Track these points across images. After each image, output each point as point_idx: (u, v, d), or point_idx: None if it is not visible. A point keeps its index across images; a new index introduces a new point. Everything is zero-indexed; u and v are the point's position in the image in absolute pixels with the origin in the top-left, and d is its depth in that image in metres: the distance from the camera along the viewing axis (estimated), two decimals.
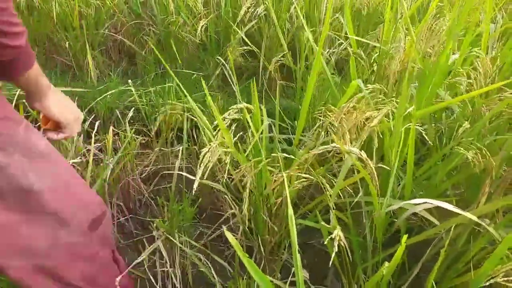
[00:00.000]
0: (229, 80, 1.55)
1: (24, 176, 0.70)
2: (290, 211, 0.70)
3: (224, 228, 0.73)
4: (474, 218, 0.80)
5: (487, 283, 0.68)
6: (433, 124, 1.10)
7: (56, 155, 0.79)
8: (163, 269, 1.10)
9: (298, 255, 0.68)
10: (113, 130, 1.39)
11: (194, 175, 0.92)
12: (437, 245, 1.05)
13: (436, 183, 0.99)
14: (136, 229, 1.43)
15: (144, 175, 1.53)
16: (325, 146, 0.84)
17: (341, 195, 1.02)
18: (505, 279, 0.69)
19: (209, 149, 0.86)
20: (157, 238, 1.09)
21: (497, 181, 0.96)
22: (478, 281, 0.69)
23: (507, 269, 0.66)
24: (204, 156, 0.86)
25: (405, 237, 0.71)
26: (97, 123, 1.47)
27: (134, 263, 1.01)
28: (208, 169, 0.87)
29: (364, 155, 0.81)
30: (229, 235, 0.56)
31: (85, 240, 0.81)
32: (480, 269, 0.70)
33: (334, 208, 0.90)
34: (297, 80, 1.63)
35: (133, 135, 1.41)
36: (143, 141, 1.61)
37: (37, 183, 0.73)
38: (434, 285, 0.78)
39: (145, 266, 1.17)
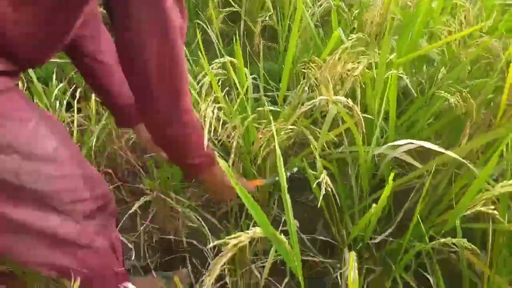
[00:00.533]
0: (213, 44, 1.53)
1: (15, 177, 0.66)
2: (279, 157, 0.71)
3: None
4: (456, 156, 0.83)
5: (469, 212, 0.72)
6: (414, 78, 1.12)
7: (66, 159, 0.73)
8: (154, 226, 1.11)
9: (288, 200, 0.70)
10: (95, 99, 1.38)
11: None
12: (420, 191, 1.09)
13: (418, 130, 1.02)
14: (128, 196, 1.44)
15: (131, 142, 1.52)
16: (313, 100, 0.85)
17: (326, 146, 1.05)
18: (485, 208, 0.73)
19: (207, 105, 0.84)
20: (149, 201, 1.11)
21: (476, 124, 1.00)
22: (459, 211, 0.73)
23: (486, 197, 0.69)
24: (204, 112, 0.84)
25: (391, 175, 0.73)
26: (78, 92, 1.45)
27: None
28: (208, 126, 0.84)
29: (351, 102, 0.82)
30: (221, 162, 0.57)
31: (81, 228, 0.76)
32: (461, 199, 0.73)
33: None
34: (281, 41, 1.62)
35: None
36: None
37: (31, 185, 0.68)
38: (420, 221, 0.81)
39: (139, 232, 1.19)
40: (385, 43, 0.89)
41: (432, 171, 0.97)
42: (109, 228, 0.82)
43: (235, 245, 0.58)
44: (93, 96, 1.35)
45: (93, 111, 1.33)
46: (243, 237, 0.58)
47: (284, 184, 0.68)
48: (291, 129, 0.80)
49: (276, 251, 0.89)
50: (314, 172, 0.88)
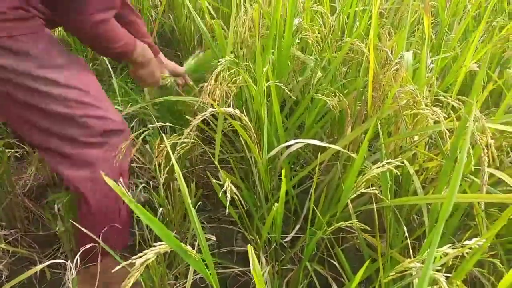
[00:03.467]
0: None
1: (32, 79, 0.86)
2: (179, 173, 0.73)
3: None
4: (339, 148, 0.93)
5: (355, 195, 0.81)
6: (295, 83, 1.23)
7: (76, 72, 0.93)
8: None
9: (194, 214, 0.72)
10: None
11: None
12: (320, 187, 1.18)
13: (305, 130, 1.12)
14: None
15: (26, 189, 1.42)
16: (203, 113, 0.89)
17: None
18: (369, 189, 0.83)
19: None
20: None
21: (356, 117, 1.12)
22: (346, 195, 0.82)
23: (366, 179, 0.78)
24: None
25: (283, 172, 0.80)
26: None
27: None
28: None
29: (238, 112, 0.88)
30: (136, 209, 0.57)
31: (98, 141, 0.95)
32: (345, 183, 0.82)
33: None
34: None
35: (3, 148, 1.30)
36: (18, 155, 1.49)
37: (45, 87, 0.87)
38: (317, 211, 0.89)
39: None
40: (258, 62, 0.96)
41: (325, 164, 1.07)
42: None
43: (142, 263, 0.59)
44: None
45: None
46: (148, 254, 0.59)
47: (194, 218, 0.69)
48: (186, 142, 0.82)
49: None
50: (217, 181, 0.91)
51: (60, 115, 0.89)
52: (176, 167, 0.68)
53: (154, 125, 0.86)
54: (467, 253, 0.61)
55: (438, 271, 0.59)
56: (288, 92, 1.00)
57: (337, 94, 1.00)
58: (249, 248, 0.54)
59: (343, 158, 1.10)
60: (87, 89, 0.93)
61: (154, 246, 0.59)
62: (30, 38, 0.86)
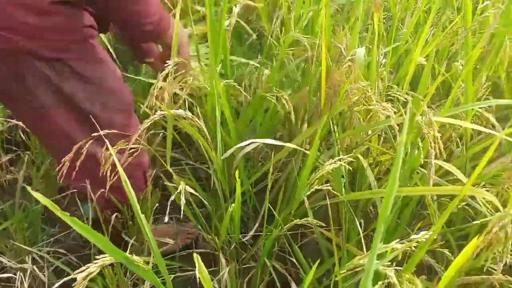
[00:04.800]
0: None
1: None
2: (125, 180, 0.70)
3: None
4: (294, 146, 0.93)
5: (309, 192, 0.81)
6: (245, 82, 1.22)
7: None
8: None
9: (144, 221, 0.70)
10: None
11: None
12: (279, 183, 1.18)
13: (260, 128, 1.11)
14: None
15: None
16: (153, 117, 0.87)
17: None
18: (326, 186, 0.83)
19: None
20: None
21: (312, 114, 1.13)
22: (299, 193, 0.81)
23: (319, 175, 0.79)
24: None
25: (237, 172, 0.79)
26: None
27: None
28: None
29: (189, 114, 0.85)
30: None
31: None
32: (299, 181, 0.82)
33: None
34: None
35: None
36: None
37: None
38: (272, 209, 0.88)
39: None
40: (212, 62, 0.94)
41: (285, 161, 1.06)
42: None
43: (84, 278, 0.56)
44: None
45: None
46: (91, 268, 0.57)
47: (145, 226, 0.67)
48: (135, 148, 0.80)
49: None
50: (171, 184, 0.89)
51: None
52: (123, 174, 0.65)
53: None
54: (415, 246, 0.63)
55: (390, 265, 0.60)
56: (243, 91, 0.99)
57: (283, 92, 0.99)
58: (195, 256, 0.53)
59: (300, 155, 1.10)
60: None
61: (97, 259, 0.56)
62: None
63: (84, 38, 0.81)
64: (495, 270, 0.70)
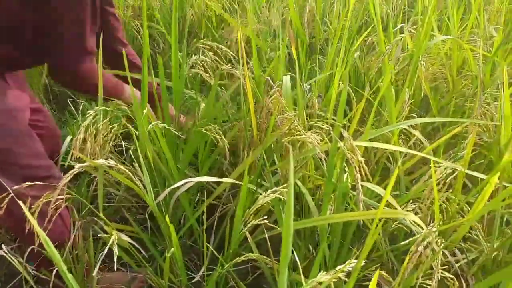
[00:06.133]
0: None
1: None
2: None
3: None
4: (232, 180, 0.93)
5: (246, 228, 0.81)
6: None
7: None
8: None
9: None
10: None
11: None
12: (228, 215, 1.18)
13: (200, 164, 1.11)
14: None
15: None
16: (73, 170, 0.83)
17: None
18: (259, 220, 0.83)
19: None
20: None
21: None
22: (236, 230, 0.81)
23: (255, 208, 0.79)
24: None
25: (170, 226, 0.77)
26: None
27: None
28: None
29: (112, 163, 0.83)
30: None
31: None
32: (236, 216, 0.82)
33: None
34: None
35: None
36: None
37: None
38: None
39: None
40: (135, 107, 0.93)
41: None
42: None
43: None
44: None
45: None
46: None
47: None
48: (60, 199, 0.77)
49: None
50: (105, 235, 0.87)
51: None
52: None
53: None
54: (345, 275, 0.64)
55: None
56: (176, 132, 0.99)
57: (217, 130, 1.00)
58: None
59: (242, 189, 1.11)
60: None
61: None
62: None
63: None
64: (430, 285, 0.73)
